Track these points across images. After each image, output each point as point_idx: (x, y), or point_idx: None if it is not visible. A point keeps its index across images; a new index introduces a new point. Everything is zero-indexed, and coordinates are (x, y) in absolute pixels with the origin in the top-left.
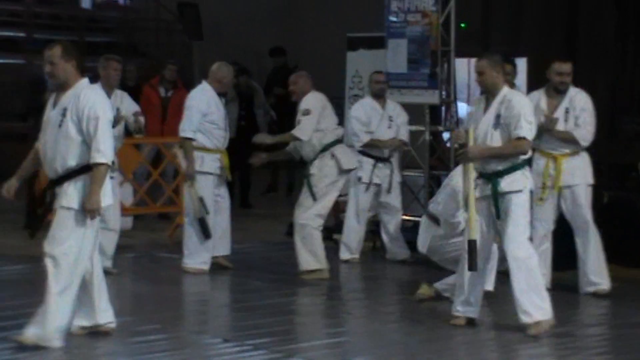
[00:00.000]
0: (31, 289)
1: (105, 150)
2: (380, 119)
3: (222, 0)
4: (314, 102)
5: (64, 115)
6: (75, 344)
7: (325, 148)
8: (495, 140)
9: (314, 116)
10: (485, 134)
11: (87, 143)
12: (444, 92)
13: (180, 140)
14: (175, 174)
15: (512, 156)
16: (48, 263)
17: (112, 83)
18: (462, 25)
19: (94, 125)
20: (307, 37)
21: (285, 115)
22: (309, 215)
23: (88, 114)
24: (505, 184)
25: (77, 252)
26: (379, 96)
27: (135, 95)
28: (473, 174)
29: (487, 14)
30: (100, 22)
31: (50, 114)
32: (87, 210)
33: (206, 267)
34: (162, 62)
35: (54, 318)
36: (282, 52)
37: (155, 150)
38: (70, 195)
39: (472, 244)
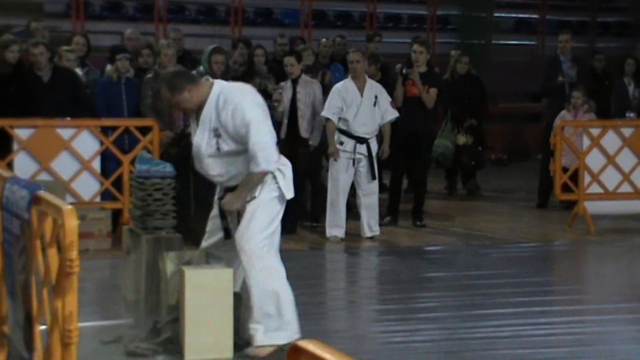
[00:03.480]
0: (544, 266)
1: (260, 160)
2: None
3: None
4: None
5: (217, 135)
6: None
7: None
8: None
9: None
10: None
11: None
12: None
13: None
14: None
15: None
16: None
17: None
18: None
19: (245, 130)
20: None
21: None
22: None
23: (234, 121)
24: None
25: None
26: None
27: None
28: None
29: None
30: (613, 2)
31: (198, 139)
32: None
33: None
34: None
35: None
36: None
37: None
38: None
39: None
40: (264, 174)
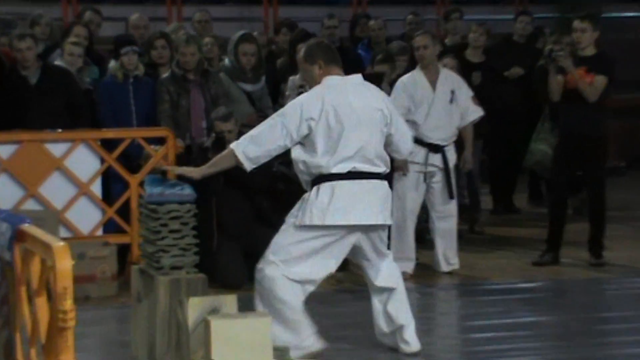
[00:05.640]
0: None
1: (241, 139)
2: None
3: None
4: None
5: None
6: None
7: None
8: None
9: None
10: None
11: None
12: None
13: None
14: None
15: None
16: None
17: None
18: None
19: None
20: None
21: None
22: None
23: None
24: None
25: None
26: None
27: None
28: None
29: None
30: None
31: None
32: None
33: None
34: None
35: None
36: None
37: None
38: None
39: None
40: (232, 151)
